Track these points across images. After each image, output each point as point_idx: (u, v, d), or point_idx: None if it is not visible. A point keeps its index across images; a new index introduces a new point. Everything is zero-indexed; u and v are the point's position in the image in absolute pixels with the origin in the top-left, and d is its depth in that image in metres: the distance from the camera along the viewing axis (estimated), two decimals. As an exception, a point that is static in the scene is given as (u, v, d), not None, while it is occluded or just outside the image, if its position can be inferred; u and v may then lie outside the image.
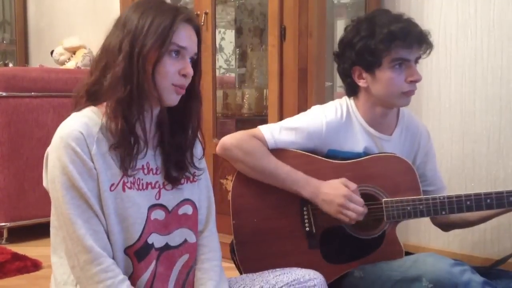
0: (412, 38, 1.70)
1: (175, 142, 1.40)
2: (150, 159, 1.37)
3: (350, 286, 1.74)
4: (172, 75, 1.31)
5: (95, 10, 3.98)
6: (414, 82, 1.73)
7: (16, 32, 4.65)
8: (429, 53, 1.77)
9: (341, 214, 1.68)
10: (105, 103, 1.31)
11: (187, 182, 1.44)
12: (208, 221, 1.50)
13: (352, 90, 1.83)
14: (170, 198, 1.40)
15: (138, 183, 1.34)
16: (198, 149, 1.48)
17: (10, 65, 4.60)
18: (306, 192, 1.72)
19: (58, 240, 1.34)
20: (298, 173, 1.73)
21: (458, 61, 2.41)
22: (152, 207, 1.36)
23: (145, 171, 1.36)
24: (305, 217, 1.76)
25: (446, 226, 1.97)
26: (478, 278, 1.55)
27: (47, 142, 3.32)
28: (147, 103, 1.33)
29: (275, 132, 1.78)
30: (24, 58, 4.61)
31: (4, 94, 2.97)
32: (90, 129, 1.28)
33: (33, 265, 2.56)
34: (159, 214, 1.37)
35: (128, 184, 1.31)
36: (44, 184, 1.32)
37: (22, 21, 4.62)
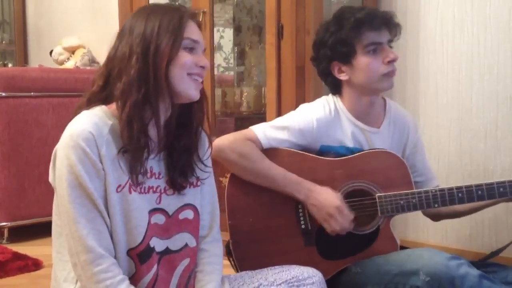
0: (378, 20, 1.75)
1: (182, 145, 1.41)
2: (153, 163, 1.38)
3: (348, 282, 1.75)
4: (189, 66, 1.33)
5: (94, 10, 3.99)
6: (391, 62, 1.76)
7: (15, 32, 4.65)
8: (399, 33, 1.81)
9: (326, 223, 1.71)
10: (115, 105, 1.31)
11: (189, 187, 1.44)
12: (211, 227, 1.50)
13: (335, 88, 1.86)
14: (170, 202, 1.40)
15: (141, 186, 1.34)
16: (205, 146, 1.48)
17: (10, 65, 4.62)
18: (299, 194, 1.73)
19: (57, 235, 1.35)
20: (292, 175, 1.74)
21: (454, 57, 2.42)
22: (152, 211, 1.36)
23: (148, 175, 1.36)
24: (300, 214, 1.78)
25: (436, 216, 1.99)
26: (474, 272, 1.57)
27: (47, 141, 3.31)
28: (161, 104, 1.34)
29: (267, 131, 1.79)
30: (23, 58, 4.61)
31: (3, 94, 2.98)
32: (100, 129, 1.28)
33: (34, 264, 2.57)
34: (159, 219, 1.38)
35: (133, 187, 1.32)
36: (50, 180, 1.33)
37: (21, 21, 4.62)
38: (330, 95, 1.88)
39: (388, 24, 1.77)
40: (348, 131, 1.81)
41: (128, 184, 1.31)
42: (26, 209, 3.06)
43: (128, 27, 1.34)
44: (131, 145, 1.29)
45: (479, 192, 1.70)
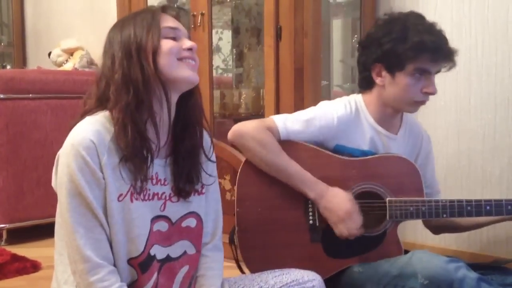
0: (441, 54, 1.73)
1: (186, 148, 1.39)
2: (159, 169, 1.36)
3: (349, 281, 1.76)
4: (176, 51, 1.32)
5: (92, 12, 3.99)
6: (428, 94, 1.76)
7: (14, 34, 4.65)
8: (450, 69, 1.80)
9: (336, 226, 1.72)
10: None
11: (194, 195, 1.43)
12: (214, 234, 1.50)
13: (366, 84, 1.85)
14: (175, 210, 1.39)
15: (145, 193, 1.32)
16: (208, 144, 1.46)
17: (8, 67, 4.62)
18: (312, 193, 1.74)
19: (60, 237, 1.34)
20: (307, 174, 1.75)
21: (453, 59, 2.42)
22: (156, 219, 1.35)
23: (154, 181, 1.35)
24: (310, 210, 1.78)
25: (437, 229, 2.00)
26: (472, 274, 1.57)
27: (45, 143, 3.31)
28: (155, 104, 1.32)
29: (288, 123, 1.79)
30: (21, 60, 4.61)
31: (2, 96, 2.98)
32: (102, 137, 1.26)
33: (33, 266, 2.57)
34: (162, 226, 1.37)
35: (135, 195, 1.30)
36: (53, 184, 1.32)
37: (20, 23, 4.62)
38: (352, 95, 1.89)
39: (447, 60, 1.76)
40: (366, 133, 1.82)
41: (129, 193, 1.29)
42: (24, 211, 3.06)
43: (108, 42, 1.34)
44: (128, 150, 1.26)
45: (487, 207, 1.71)
